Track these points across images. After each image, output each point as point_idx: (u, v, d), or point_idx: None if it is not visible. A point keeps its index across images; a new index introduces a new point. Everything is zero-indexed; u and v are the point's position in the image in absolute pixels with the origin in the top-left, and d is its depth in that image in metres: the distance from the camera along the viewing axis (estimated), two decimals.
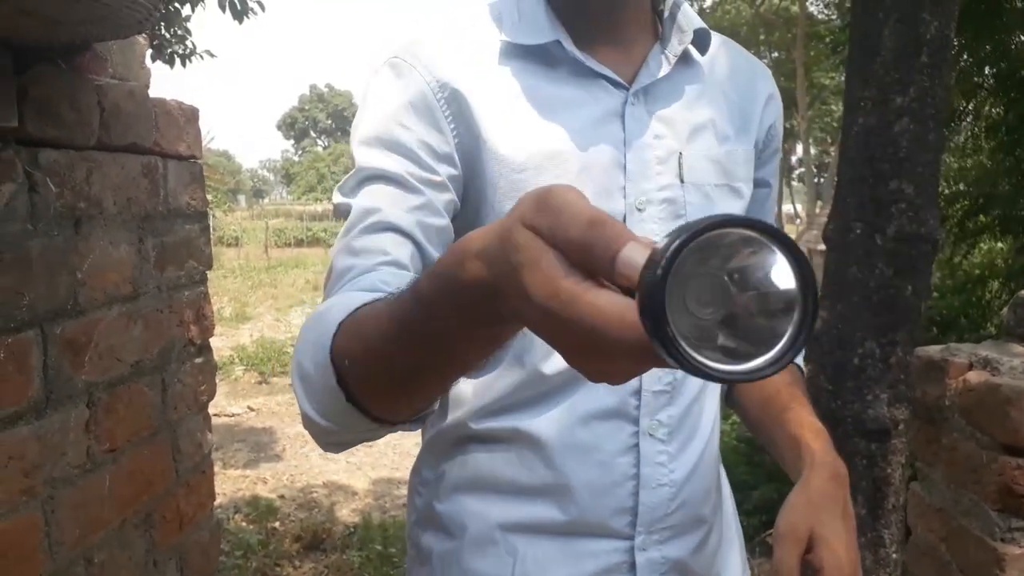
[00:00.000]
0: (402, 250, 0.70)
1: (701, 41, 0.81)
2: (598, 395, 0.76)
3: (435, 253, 0.71)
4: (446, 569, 0.81)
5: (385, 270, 0.67)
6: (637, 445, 0.77)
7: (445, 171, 0.74)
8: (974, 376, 1.16)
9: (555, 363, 0.76)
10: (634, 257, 0.32)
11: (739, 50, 0.89)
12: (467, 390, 0.80)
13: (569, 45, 0.76)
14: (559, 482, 0.77)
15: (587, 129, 0.76)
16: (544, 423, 0.77)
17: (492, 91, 0.75)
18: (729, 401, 0.94)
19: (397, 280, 0.64)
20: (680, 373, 0.75)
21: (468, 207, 0.77)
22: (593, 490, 0.77)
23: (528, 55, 0.77)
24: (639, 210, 0.77)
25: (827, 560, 0.70)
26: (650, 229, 0.76)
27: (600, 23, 0.78)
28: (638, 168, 0.77)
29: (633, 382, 0.76)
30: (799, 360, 0.93)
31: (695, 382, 0.80)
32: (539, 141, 0.75)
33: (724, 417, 0.92)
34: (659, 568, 0.79)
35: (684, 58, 0.80)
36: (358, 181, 0.74)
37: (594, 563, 0.78)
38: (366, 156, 0.74)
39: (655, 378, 0.77)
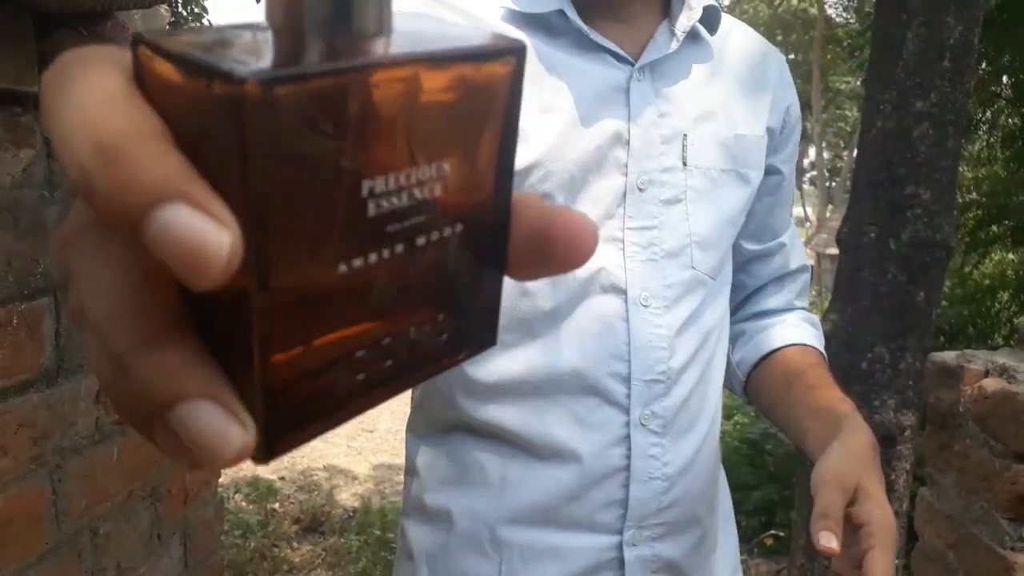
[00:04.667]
0: None
1: (710, 19, 0.78)
2: (584, 382, 0.73)
3: None
4: (433, 564, 0.79)
5: None
6: (628, 436, 0.74)
7: None
8: (990, 383, 1.15)
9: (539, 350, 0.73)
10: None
11: (751, 32, 0.86)
12: (443, 379, 0.77)
13: (573, 15, 0.73)
14: (559, 454, 0.74)
15: (589, 100, 0.73)
16: (527, 414, 0.74)
17: None
18: (748, 388, 0.90)
19: None
20: (674, 363, 0.74)
21: None
22: (584, 479, 0.74)
23: (530, 23, 0.74)
24: (640, 189, 0.74)
25: (874, 515, 0.63)
26: (649, 211, 0.74)
27: None
28: (642, 146, 0.74)
29: (621, 369, 0.73)
30: (822, 347, 0.90)
31: (692, 374, 0.77)
32: (537, 102, 0.72)
33: (726, 417, 0.90)
34: (650, 565, 0.76)
35: (693, 36, 0.77)
36: None
37: (583, 559, 0.75)
38: None
39: (646, 367, 0.74)
